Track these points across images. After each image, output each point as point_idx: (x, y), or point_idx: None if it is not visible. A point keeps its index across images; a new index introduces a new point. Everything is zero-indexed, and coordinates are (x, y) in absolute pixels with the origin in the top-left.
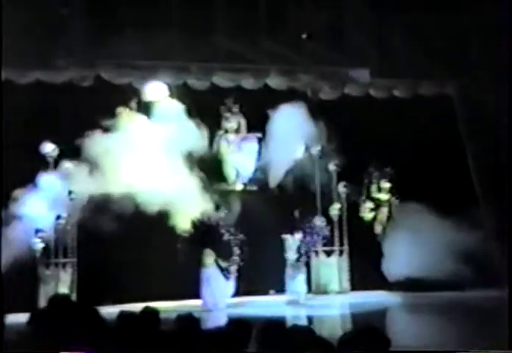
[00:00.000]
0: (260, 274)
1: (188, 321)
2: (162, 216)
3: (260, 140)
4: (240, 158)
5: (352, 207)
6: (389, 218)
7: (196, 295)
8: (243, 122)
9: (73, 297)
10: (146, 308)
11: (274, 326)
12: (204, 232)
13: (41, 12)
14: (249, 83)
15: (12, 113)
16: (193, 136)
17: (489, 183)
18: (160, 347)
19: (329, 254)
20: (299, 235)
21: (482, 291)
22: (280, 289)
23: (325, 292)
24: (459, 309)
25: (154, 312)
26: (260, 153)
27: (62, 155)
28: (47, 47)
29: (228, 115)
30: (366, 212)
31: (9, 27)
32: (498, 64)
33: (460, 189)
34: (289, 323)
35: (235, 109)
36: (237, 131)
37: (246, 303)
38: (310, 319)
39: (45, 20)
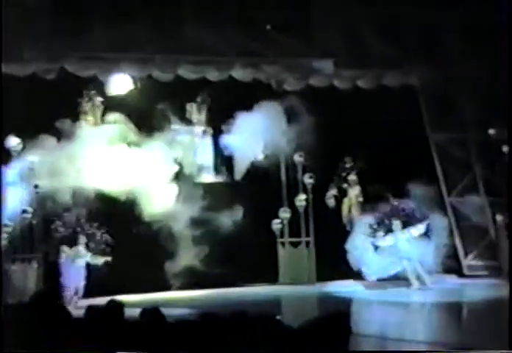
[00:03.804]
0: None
1: (153, 314)
2: (129, 210)
3: (222, 133)
4: (202, 150)
5: (318, 198)
6: (355, 207)
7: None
8: (207, 115)
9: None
10: (111, 301)
11: (239, 317)
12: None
13: (7, 4)
14: (213, 75)
15: None
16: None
17: (452, 171)
18: (125, 340)
19: (296, 245)
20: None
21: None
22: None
23: (294, 282)
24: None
25: (119, 305)
26: (218, 146)
27: (27, 149)
28: (11, 39)
29: (192, 107)
30: (331, 199)
31: None
32: (462, 54)
33: (424, 177)
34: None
35: (199, 100)
36: (201, 124)
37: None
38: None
39: (11, 13)
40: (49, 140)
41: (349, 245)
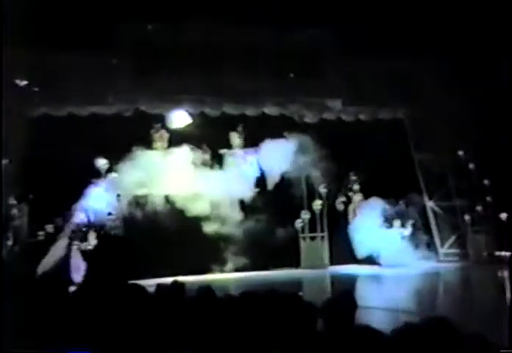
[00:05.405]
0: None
1: (207, 290)
2: (189, 214)
3: (258, 155)
4: (245, 167)
5: (330, 203)
6: (358, 210)
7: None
8: (246, 141)
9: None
10: (175, 281)
11: (270, 294)
12: None
13: (99, 62)
14: (250, 111)
15: (75, 138)
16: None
17: (432, 182)
18: (185, 312)
19: (313, 239)
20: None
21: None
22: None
23: (312, 267)
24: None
25: (181, 284)
26: (255, 164)
27: (112, 167)
28: (100, 88)
29: (235, 135)
30: (340, 204)
31: (72, 72)
32: (437, 96)
33: (410, 191)
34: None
35: (240, 131)
36: (241, 147)
37: None
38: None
39: (100, 69)
40: (128, 161)
41: (358, 231)
